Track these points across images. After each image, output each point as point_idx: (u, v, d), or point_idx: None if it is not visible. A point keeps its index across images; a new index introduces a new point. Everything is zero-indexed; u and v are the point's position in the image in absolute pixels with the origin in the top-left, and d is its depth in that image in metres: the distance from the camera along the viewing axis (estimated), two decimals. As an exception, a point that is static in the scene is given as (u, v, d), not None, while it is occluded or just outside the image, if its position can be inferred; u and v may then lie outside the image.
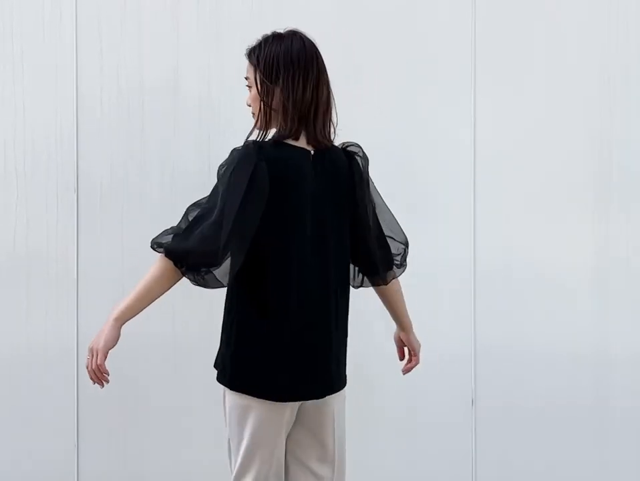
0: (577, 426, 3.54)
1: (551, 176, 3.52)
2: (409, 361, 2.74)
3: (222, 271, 2.27)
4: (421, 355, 2.78)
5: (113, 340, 2.30)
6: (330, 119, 2.39)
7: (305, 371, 2.33)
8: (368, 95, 3.54)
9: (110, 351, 2.33)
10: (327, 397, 2.40)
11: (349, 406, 3.49)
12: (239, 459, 2.36)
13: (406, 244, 2.53)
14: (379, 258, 2.47)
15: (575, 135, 3.52)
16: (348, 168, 2.41)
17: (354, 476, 3.54)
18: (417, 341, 2.73)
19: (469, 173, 3.53)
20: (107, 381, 2.35)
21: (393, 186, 3.52)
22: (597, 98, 3.51)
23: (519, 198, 3.53)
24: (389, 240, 2.51)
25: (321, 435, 2.44)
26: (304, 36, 2.39)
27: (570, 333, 3.51)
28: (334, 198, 2.36)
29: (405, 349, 2.74)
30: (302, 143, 2.34)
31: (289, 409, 2.36)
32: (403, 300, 2.63)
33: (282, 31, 2.40)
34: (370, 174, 2.49)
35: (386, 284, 2.52)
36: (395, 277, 2.53)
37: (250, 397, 2.31)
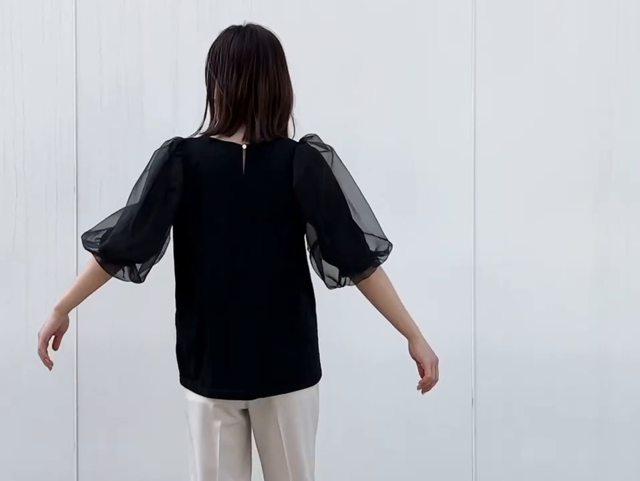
0: (577, 426, 3.53)
1: (551, 176, 3.52)
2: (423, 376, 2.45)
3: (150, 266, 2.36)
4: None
5: (52, 327, 2.42)
6: (280, 115, 2.31)
7: (230, 369, 2.29)
8: (368, 95, 3.53)
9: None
10: (271, 400, 2.31)
11: (348, 406, 3.50)
12: (190, 450, 2.41)
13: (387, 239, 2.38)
14: (346, 254, 2.30)
15: (575, 135, 3.52)
16: (290, 162, 2.28)
17: (353, 476, 3.55)
18: (428, 352, 2.43)
19: (470, 173, 3.53)
20: (51, 364, 2.46)
21: (393, 186, 3.53)
22: (597, 98, 3.51)
23: (519, 198, 3.52)
24: (369, 238, 2.34)
25: (267, 441, 2.37)
26: (255, 30, 2.35)
27: (570, 332, 3.51)
28: (270, 193, 2.27)
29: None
30: (236, 138, 2.30)
31: (228, 407, 2.33)
32: (392, 302, 2.39)
33: (239, 25, 2.39)
34: (350, 170, 2.36)
35: (356, 283, 2.35)
36: (366, 277, 2.33)
37: (189, 391, 2.38)
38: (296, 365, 2.32)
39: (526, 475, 3.55)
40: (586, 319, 3.52)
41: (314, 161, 2.29)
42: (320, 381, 2.43)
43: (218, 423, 2.33)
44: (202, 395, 2.33)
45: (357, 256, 2.31)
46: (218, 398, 2.31)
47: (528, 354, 3.51)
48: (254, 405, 2.33)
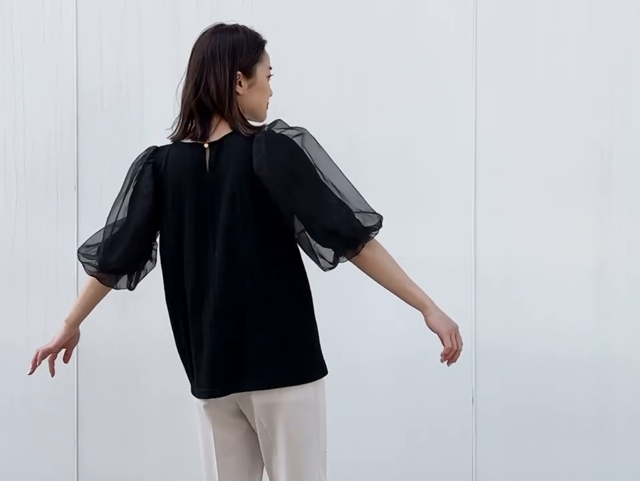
0: (577, 426, 3.53)
1: (551, 176, 3.52)
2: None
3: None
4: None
5: (60, 339, 2.51)
6: (226, 111, 2.27)
7: (205, 368, 2.26)
8: (368, 95, 3.53)
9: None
10: (250, 400, 2.26)
11: (347, 406, 3.50)
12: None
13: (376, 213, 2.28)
14: (333, 234, 2.19)
15: (576, 135, 3.51)
16: (250, 152, 2.22)
17: (353, 476, 3.55)
18: (443, 321, 2.30)
19: (470, 173, 3.53)
20: (33, 369, 2.49)
21: (393, 186, 3.53)
22: (598, 99, 3.50)
23: (519, 198, 3.52)
24: (361, 215, 2.23)
25: (261, 445, 2.32)
26: (206, 33, 2.33)
27: (570, 332, 3.51)
28: (235, 188, 2.23)
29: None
30: (197, 138, 2.29)
31: (218, 407, 2.30)
32: (392, 274, 2.27)
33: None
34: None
35: (349, 259, 2.25)
36: (357, 253, 2.22)
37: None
38: (270, 361, 2.22)
39: (526, 475, 3.54)
40: (586, 319, 3.52)
41: (271, 144, 2.21)
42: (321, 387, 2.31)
43: (210, 423, 2.33)
44: (193, 395, 2.34)
45: (347, 234, 2.20)
46: (199, 397, 2.31)
47: (528, 354, 3.51)
48: (243, 406, 2.29)
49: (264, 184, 2.20)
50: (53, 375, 2.49)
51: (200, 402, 2.32)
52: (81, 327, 3.55)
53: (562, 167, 3.52)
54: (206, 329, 2.25)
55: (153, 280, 2.49)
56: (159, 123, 3.53)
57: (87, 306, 2.51)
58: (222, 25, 2.35)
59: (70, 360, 2.55)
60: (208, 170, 2.27)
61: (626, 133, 3.50)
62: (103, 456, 3.58)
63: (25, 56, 3.55)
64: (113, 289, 2.46)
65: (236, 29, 2.34)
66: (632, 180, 3.50)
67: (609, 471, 3.53)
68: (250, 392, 2.24)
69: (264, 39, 2.36)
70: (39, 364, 2.48)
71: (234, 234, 2.24)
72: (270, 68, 2.36)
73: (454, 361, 2.33)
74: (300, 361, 2.25)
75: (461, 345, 2.31)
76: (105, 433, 3.58)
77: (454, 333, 2.31)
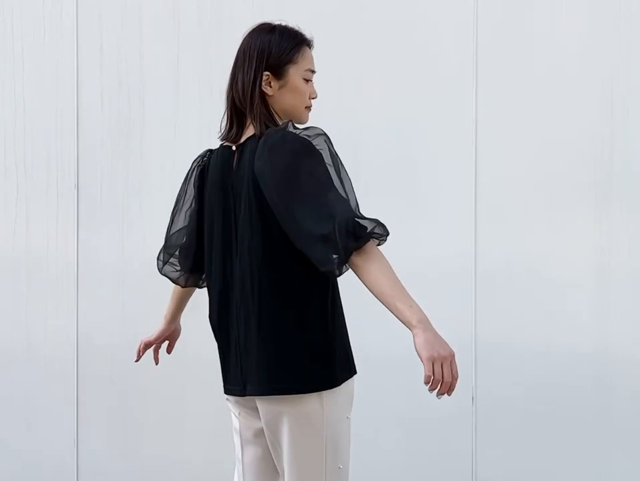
0: (577, 424, 3.53)
1: (552, 176, 3.52)
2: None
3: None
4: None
5: (161, 332, 2.61)
6: (251, 113, 2.23)
7: (224, 367, 2.31)
8: (368, 95, 3.54)
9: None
10: (256, 405, 2.24)
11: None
12: None
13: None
14: (321, 238, 2.06)
15: (577, 135, 3.52)
16: (255, 155, 2.18)
17: (353, 474, 3.55)
18: (427, 345, 2.03)
19: (470, 173, 3.53)
20: (138, 357, 2.64)
21: (393, 186, 3.53)
22: (599, 99, 3.51)
23: (520, 197, 3.53)
24: (360, 221, 2.06)
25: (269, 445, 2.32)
26: (250, 29, 2.32)
27: (570, 331, 3.51)
28: (247, 191, 2.19)
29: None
30: (231, 140, 2.28)
31: (236, 404, 2.31)
32: (382, 287, 2.07)
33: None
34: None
35: (345, 263, 2.07)
36: (345, 261, 2.06)
37: None
38: (272, 369, 2.18)
39: (525, 474, 3.54)
40: (586, 318, 3.52)
41: (271, 145, 2.15)
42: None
43: (233, 416, 2.34)
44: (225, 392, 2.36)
45: (338, 239, 2.05)
46: (227, 394, 2.33)
47: (528, 353, 3.51)
48: (256, 407, 2.28)
49: (261, 187, 2.15)
50: (157, 363, 2.61)
51: (224, 395, 2.34)
52: (81, 326, 3.57)
53: (562, 167, 3.52)
54: (229, 330, 2.26)
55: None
56: (159, 123, 3.56)
57: (179, 302, 2.56)
58: (263, 24, 2.34)
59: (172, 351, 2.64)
60: (235, 172, 2.25)
61: (626, 133, 3.50)
62: (103, 456, 3.58)
63: (25, 55, 3.55)
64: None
65: (272, 30, 2.32)
66: (633, 180, 3.51)
67: (609, 470, 3.54)
68: (254, 397, 2.23)
69: (304, 39, 2.34)
70: (143, 354, 2.59)
71: (244, 237, 2.23)
72: (313, 71, 2.34)
73: (445, 394, 2.02)
74: (301, 370, 2.18)
75: (451, 376, 2.01)
76: (105, 433, 3.57)
77: (441, 360, 2.01)
